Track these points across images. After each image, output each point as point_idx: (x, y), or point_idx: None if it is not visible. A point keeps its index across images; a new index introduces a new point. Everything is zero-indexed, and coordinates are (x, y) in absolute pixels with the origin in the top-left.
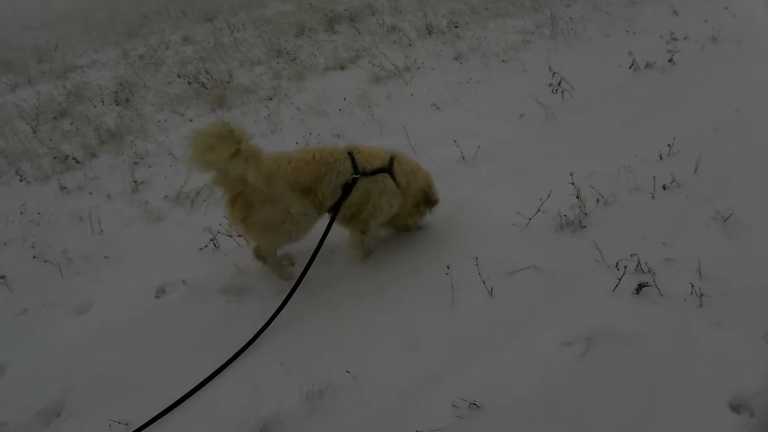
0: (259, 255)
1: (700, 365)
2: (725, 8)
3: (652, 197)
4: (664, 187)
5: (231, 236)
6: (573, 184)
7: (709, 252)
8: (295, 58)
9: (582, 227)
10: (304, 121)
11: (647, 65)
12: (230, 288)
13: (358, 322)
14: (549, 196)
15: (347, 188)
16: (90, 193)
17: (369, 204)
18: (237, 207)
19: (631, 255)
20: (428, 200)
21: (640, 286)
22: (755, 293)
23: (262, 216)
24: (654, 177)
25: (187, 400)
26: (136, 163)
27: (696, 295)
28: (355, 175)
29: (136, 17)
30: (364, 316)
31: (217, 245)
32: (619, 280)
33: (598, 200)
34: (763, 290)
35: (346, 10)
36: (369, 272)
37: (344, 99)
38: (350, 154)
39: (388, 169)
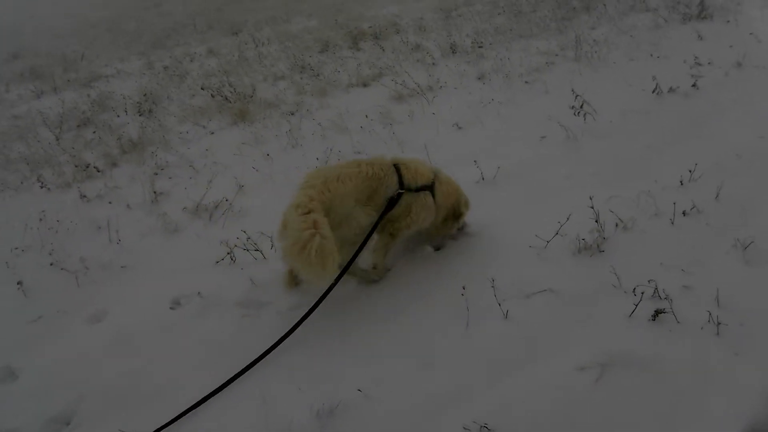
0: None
1: (716, 394)
2: (750, 33)
3: (672, 223)
4: (684, 213)
5: (248, 250)
6: (593, 207)
7: (728, 280)
8: (318, 74)
9: (600, 251)
10: (325, 137)
11: (671, 90)
12: (245, 302)
13: (371, 341)
14: (568, 219)
15: (391, 202)
16: (110, 203)
17: (408, 217)
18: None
19: (649, 281)
20: (455, 214)
21: (657, 313)
22: None
23: (338, 237)
24: (674, 203)
25: (196, 412)
26: (156, 173)
27: (714, 324)
28: (400, 191)
29: (163, 29)
30: (377, 335)
31: (233, 258)
32: (636, 305)
33: (617, 225)
34: None
35: (370, 27)
36: (384, 292)
37: (366, 116)
38: (396, 167)
39: (430, 186)
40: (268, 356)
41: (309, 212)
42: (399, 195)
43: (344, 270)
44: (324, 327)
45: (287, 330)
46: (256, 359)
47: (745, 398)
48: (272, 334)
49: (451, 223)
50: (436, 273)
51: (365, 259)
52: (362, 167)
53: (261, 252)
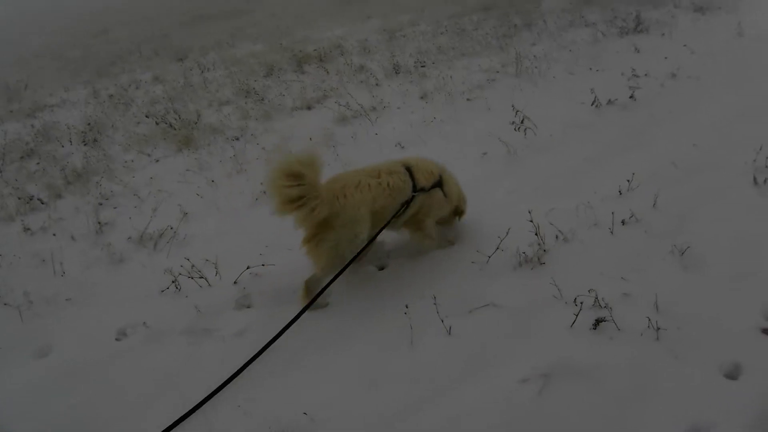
0: (310, 288)
1: (657, 398)
2: (684, 45)
3: (611, 233)
4: (623, 223)
5: (192, 278)
6: (531, 221)
7: (667, 286)
8: (263, 99)
9: (541, 264)
10: (270, 161)
11: (609, 102)
12: (191, 330)
13: (317, 364)
14: (507, 233)
15: (405, 203)
16: (54, 235)
17: (422, 211)
18: (314, 225)
19: (589, 290)
20: (457, 211)
21: (598, 321)
22: (711, 325)
23: (335, 236)
24: (613, 213)
25: None
26: (101, 204)
27: (653, 329)
28: (414, 193)
29: (108, 56)
30: (323, 358)
31: (178, 287)
32: (576, 315)
33: (557, 237)
34: (718, 322)
35: (315, 50)
36: (329, 314)
37: (310, 139)
38: (408, 170)
39: (439, 183)
40: (215, 382)
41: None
42: (413, 197)
43: (339, 273)
44: (270, 351)
45: (250, 357)
46: (224, 381)
47: (685, 401)
48: (218, 362)
49: (452, 219)
50: (380, 293)
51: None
52: (382, 177)
53: (206, 279)
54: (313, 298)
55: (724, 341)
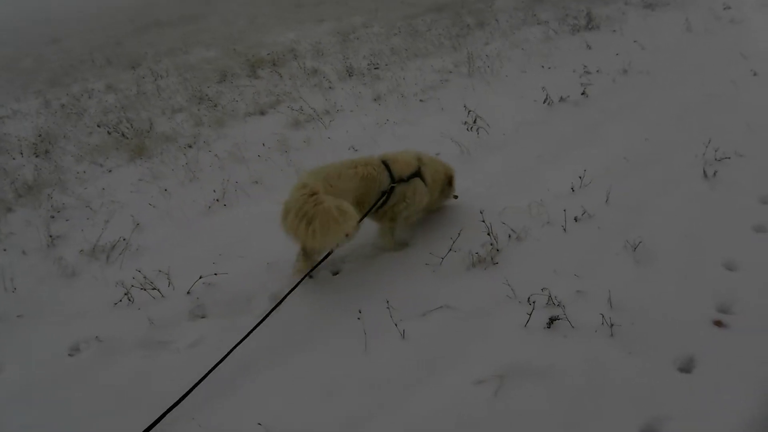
0: (308, 256)
1: (612, 395)
2: (635, 41)
3: (564, 230)
4: (576, 219)
5: (145, 289)
6: (483, 221)
7: (620, 281)
8: (216, 105)
9: (494, 264)
10: (223, 168)
11: (561, 99)
12: (145, 342)
13: (272, 373)
14: (459, 235)
15: (384, 194)
16: (4, 250)
17: (403, 202)
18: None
19: (542, 289)
20: (450, 183)
21: (552, 320)
22: (664, 319)
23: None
24: (564, 210)
25: None
26: (52, 216)
27: (607, 326)
28: (392, 184)
29: (61, 66)
30: (277, 367)
31: (131, 299)
32: (530, 315)
33: (510, 236)
34: (672, 316)
35: (269, 54)
36: (283, 321)
37: (263, 144)
38: (385, 163)
39: (418, 173)
40: (168, 396)
41: (314, 194)
42: (391, 188)
43: (313, 268)
44: (225, 362)
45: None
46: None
47: (640, 396)
48: (172, 374)
49: (447, 191)
50: (334, 298)
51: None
52: (358, 168)
53: (158, 290)
54: (309, 270)
55: (677, 334)
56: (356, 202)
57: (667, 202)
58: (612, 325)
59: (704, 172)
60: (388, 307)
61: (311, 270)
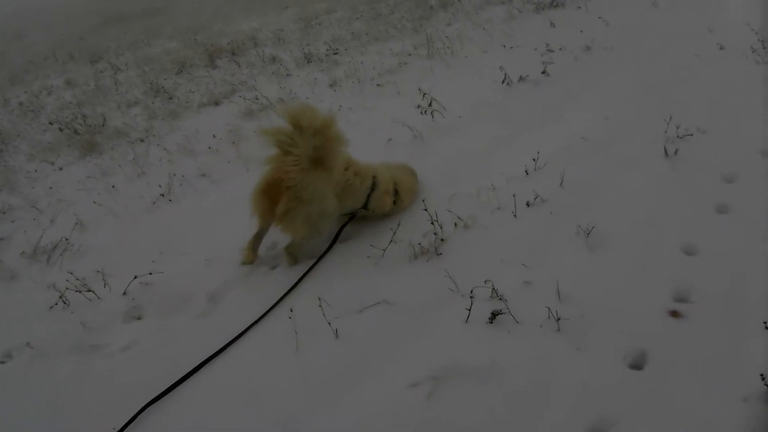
0: (291, 252)
1: (557, 395)
2: (599, 17)
3: (515, 216)
4: (527, 205)
5: (80, 292)
6: (426, 210)
7: (571, 270)
8: (171, 97)
9: (438, 254)
10: (172, 161)
11: (521, 79)
12: (78, 347)
13: (195, 378)
14: (398, 225)
15: (351, 217)
16: None
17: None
18: (284, 201)
19: (485, 281)
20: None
21: (494, 315)
22: (616, 311)
23: (306, 211)
24: (514, 195)
25: None
26: None
27: (554, 319)
28: (360, 209)
29: (22, 63)
30: (202, 372)
31: (66, 302)
32: (469, 310)
33: (456, 224)
34: (625, 307)
35: (228, 43)
36: (213, 320)
37: (214, 136)
38: (372, 187)
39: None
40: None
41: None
42: (353, 215)
43: (322, 255)
44: (149, 367)
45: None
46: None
47: (587, 396)
48: (108, 379)
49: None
50: (269, 295)
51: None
52: (349, 171)
53: (93, 292)
54: (312, 264)
55: (629, 327)
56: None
57: (625, 183)
58: (559, 318)
59: (665, 150)
60: (320, 305)
61: (319, 258)
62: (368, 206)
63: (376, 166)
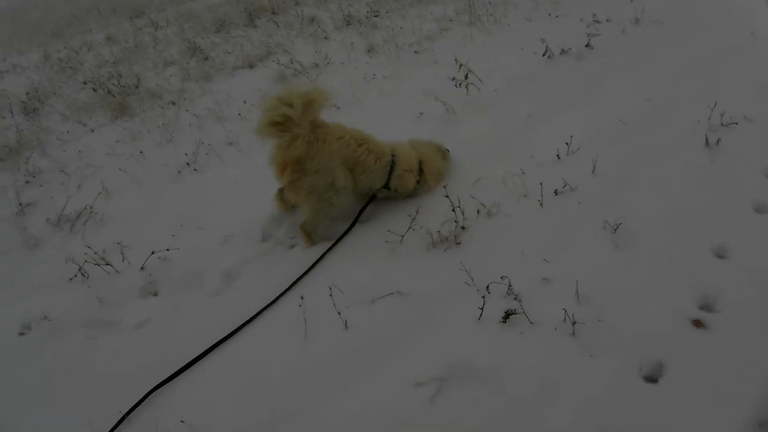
0: (305, 229)
1: (563, 404)
2: None
3: (541, 205)
4: (555, 193)
5: (99, 265)
6: (447, 196)
7: (593, 268)
8: (207, 58)
9: (457, 244)
10: (201, 127)
11: (563, 52)
12: (92, 322)
13: (200, 363)
14: (418, 211)
15: (371, 198)
16: None
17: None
18: (288, 171)
19: (502, 277)
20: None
21: (508, 315)
22: (635, 316)
23: (310, 182)
24: (541, 183)
25: None
26: (27, 182)
27: (569, 323)
28: (380, 188)
29: (64, 16)
30: (207, 357)
31: (85, 274)
32: (482, 309)
33: (478, 211)
34: (645, 312)
35: (269, 1)
36: (226, 302)
37: (244, 102)
38: (391, 167)
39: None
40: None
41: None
42: (373, 196)
43: (345, 233)
44: (148, 354)
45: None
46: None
47: (596, 406)
48: (112, 357)
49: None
50: (282, 278)
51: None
52: (362, 148)
53: (111, 265)
54: (332, 245)
55: (648, 335)
56: (342, 165)
57: (659, 173)
58: (575, 322)
59: (706, 139)
60: (330, 294)
61: (337, 241)
62: (390, 185)
63: (398, 143)
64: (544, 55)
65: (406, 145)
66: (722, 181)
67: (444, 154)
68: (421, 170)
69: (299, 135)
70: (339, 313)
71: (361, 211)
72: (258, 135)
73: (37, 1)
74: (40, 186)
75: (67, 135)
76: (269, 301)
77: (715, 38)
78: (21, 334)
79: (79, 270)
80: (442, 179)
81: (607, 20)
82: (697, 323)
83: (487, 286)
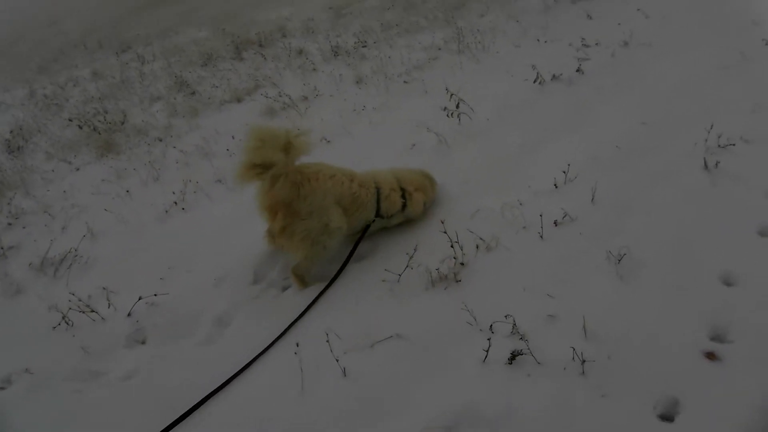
0: (297, 273)
1: None
2: (638, 9)
3: (541, 237)
4: (555, 224)
5: (83, 312)
6: (445, 232)
7: (599, 302)
8: (194, 92)
9: (457, 281)
10: (188, 164)
11: (554, 78)
12: (76, 374)
13: (190, 420)
14: (416, 249)
15: (366, 229)
16: None
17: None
18: (280, 217)
19: (506, 316)
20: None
21: (514, 355)
22: (646, 351)
23: (304, 226)
24: (541, 215)
25: None
26: (10, 224)
27: (578, 361)
28: (375, 217)
29: (51, 50)
30: (201, 411)
31: (69, 323)
32: (487, 351)
33: (477, 246)
34: (656, 347)
35: (256, 34)
36: (215, 350)
37: (233, 137)
38: (378, 193)
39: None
40: None
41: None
42: (367, 227)
43: (336, 275)
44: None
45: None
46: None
47: None
48: (103, 409)
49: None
50: (276, 322)
51: None
52: (354, 183)
53: (97, 312)
54: (325, 287)
55: (660, 371)
56: (336, 204)
57: (660, 199)
58: (584, 361)
59: (705, 162)
60: (327, 341)
61: (329, 284)
62: (381, 212)
63: (374, 171)
64: (535, 81)
65: (381, 170)
66: (724, 206)
67: (425, 174)
68: (402, 189)
69: (282, 177)
70: (337, 360)
71: (354, 248)
72: (237, 179)
73: (24, 34)
74: (23, 228)
75: (51, 174)
76: (261, 350)
77: (704, 59)
78: (1, 388)
79: (63, 318)
80: (426, 193)
81: (596, 44)
82: (710, 356)
83: (491, 326)
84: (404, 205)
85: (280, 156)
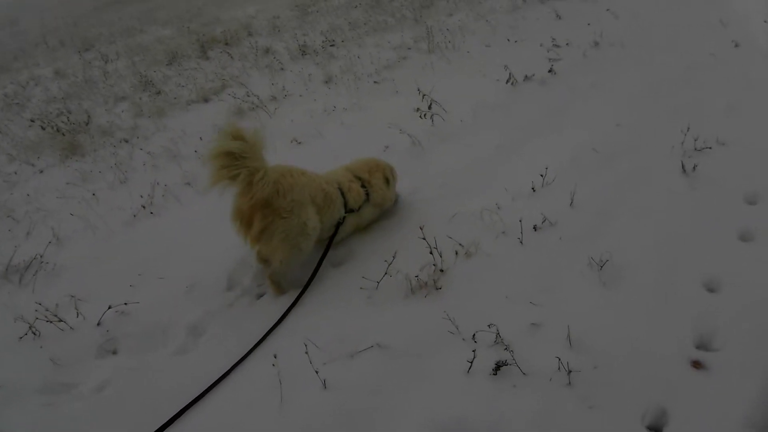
0: (274, 280)
1: None
2: (607, 9)
3: (521, 242)
4: (535, 229)
5: (51, 322)
6: (424, 239)
7: (583, 309)
8: (159, 92)
9: (437, 289)
10: (156, 166)
11: (526, 78)
12: (47, 387)
13: (171, 429)
14: (394, 257)
15: (338, 226)
16: None
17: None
18: (258, 219)
19: (489, 325)
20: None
21: (498, 366)
22: (632, 360)
23: (284, 226)
24: (520, 220)
25: None
26: None
27: (564, 372)
28: (344, 214)
29: (12, 50)
30: (178, 423)
31: (36, 333)
32: (471, 362)
33: (457, 252)
34: (641, 355)
35: (222, 32)
36: (193, 362)
37: (201, 138)
38: (340, 188)
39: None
40: None
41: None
42: (343, 218)
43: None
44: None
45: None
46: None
47: None
48: (75, 426)
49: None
50: (252, 332)
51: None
52: (322, 180)
53: (65, 322)
54: (299, 293)
55: (647, 380)
56: (311, 202)
57: (639, 203)
58: (570, 371)
59: (682, 165)
60: (306, 352)
61: (305, 287)
62: (348, 205)
63: (329, 171)
64: (507, 81)
65: (333, 169)
66: (704, 211)
67: (374, 159)
68: (358, 178)
69: (257, 170)
70: (317, 372)
71: (327, 248)
72: (212, 185)
73: None
74: None
75: (14, 176)
76: (237, 360)
77: (675, 59)
78: None
79: (30, 328)
80: (383, 172)
81: (567, 44)
82: (697, 364)
83: (474, 335)
84: (368, 195)
85: (254, 152)
